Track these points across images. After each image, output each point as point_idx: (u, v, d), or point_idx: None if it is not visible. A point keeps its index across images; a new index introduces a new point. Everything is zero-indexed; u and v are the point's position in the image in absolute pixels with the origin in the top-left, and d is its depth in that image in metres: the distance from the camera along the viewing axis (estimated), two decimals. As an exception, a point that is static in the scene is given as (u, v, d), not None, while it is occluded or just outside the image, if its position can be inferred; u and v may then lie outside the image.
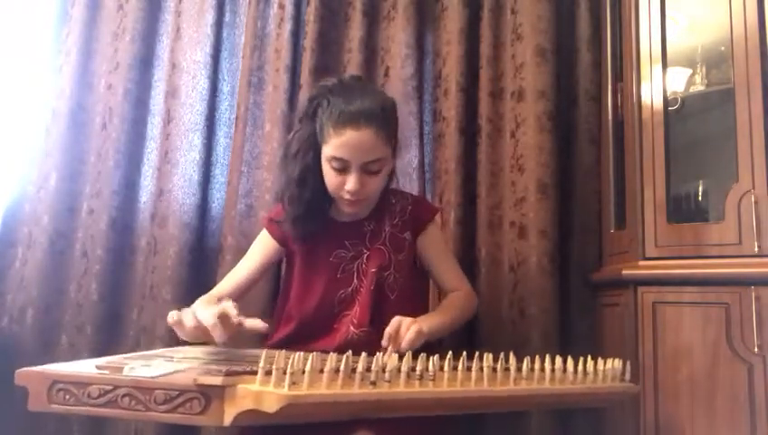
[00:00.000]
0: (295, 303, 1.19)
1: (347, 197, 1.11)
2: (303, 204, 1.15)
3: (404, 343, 0.98)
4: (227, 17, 1.77)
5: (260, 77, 1.69)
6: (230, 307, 0.95)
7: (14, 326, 1.56)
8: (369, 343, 1.05)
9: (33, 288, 1.57)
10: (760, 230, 1.18)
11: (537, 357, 0.90)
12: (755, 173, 1.20)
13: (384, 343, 1.01)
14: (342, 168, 1.09)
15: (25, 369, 0.75)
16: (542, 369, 0.89)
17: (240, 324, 0.96)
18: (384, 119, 1.09)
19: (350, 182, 1.08)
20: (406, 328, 1.00)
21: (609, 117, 1.56)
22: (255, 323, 0.97)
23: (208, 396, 0.71)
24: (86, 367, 0.78)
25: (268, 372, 0.70)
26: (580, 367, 0.93)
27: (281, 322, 1.22)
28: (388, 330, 1.01)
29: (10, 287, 1.58)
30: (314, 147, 1.13)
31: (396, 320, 1.02)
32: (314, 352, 0.73)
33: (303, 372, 0.70)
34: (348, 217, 1.20)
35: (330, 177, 1.11)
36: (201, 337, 0.95)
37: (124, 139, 1.66)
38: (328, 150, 1.09)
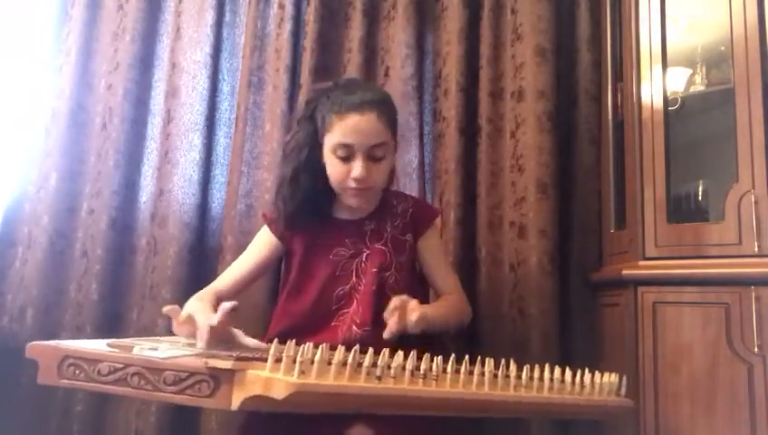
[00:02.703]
0: (293, 298, 1.19)
1: (352, 185, 1.11)
2: (296, 202, 1.16)
3: (410, 325, 1.00)
4: (227, 17, 1.77)
5: (260, 77, 1.69)
6: (228, 308, 0.95)
7: (14, 326, 1.55)
8: (372, 343, 1.04)
9: (33, 288, 1.57)
10: (760, 230, 1.18)
11: (536, 366, 0.91)
12: (755, 173, 1.21)
13: (387, 314, 1.01)
14: (347, 155, 1.10)
15: (37, 342, 0.76)
16: (541, 378, 0.90)
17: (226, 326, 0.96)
18: (385, 106, 1.13)
19: (356, 168, 1.09)
20: (412, 309, 1.01)
21: (609, 117, 1.56)
22: (250, 342, 0.98)
23: (218, 379, 0.72)
24: (97, 345, 0.79)
25: (278, 360, 0.71)
26: (578, 379, 0.94)
27: (278, 317, 1.21)
28: (395, 303, 1.02)
29: (10, 287, 1.58)
30: (311, 146, 1.14)
31: (404, 297, 1.03)
32: (323, 344, 0.73)
33: (312, 362, 0.71)
34: (349, 214, 1.21)
35: (334, 168, 1.12)
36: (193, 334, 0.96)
37: (124, 139, 1.66)
38: (332, 139, 1.10)
